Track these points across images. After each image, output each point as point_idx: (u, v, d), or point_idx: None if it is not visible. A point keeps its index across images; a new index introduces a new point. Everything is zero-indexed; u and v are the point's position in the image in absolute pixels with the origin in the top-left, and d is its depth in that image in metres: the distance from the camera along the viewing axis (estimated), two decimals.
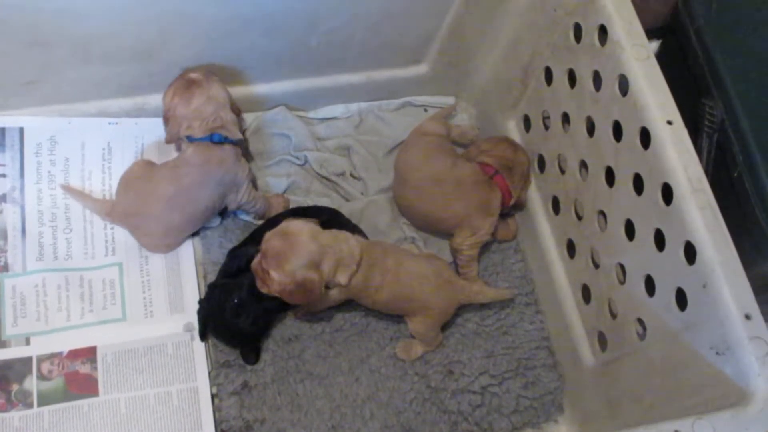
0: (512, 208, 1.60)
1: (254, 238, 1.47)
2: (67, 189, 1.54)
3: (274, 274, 1.28)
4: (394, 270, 1.39)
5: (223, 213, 1.58)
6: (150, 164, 1.52)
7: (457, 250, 1.54)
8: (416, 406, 1.45)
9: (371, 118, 1.75)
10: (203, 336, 1.45)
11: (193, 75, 1.45)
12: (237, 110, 1.52)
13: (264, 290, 1.31)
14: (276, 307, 1.43)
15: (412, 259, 1.44)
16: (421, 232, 1.63)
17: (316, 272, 1.29)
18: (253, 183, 1.56)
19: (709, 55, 1.49)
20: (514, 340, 1.53)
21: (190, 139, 1.44)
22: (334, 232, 1.36)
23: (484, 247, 1.59)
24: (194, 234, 1.56)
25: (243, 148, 1.53)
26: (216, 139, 1.44)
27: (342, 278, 1.33)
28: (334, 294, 1.38)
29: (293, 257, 1.28)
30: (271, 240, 1.30)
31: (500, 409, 1.46)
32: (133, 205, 1.48)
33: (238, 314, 1.39)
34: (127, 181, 1.50)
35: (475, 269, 1.55)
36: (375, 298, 1.40)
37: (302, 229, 1.31)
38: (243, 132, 1.56)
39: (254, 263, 1.32)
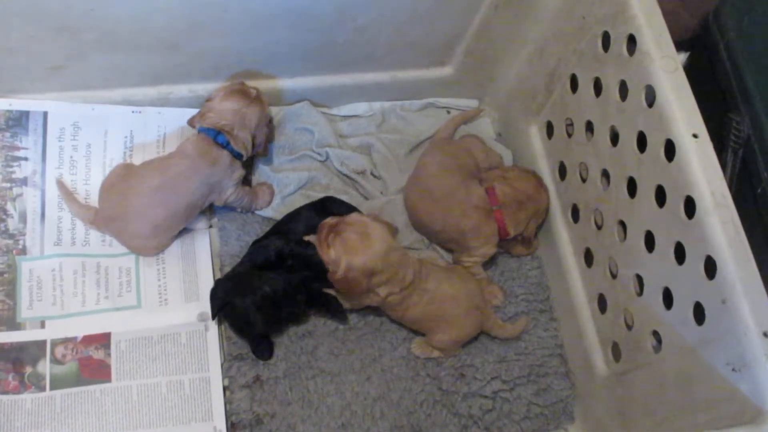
0: (520, 243, 1.59)
1: (277, 231, 1.47)
2: (60, 186, 1.53)
3: (333, 254, 1.31)
4: (432, 291, 1.40)
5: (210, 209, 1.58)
6: (130, 166, 1.52)
7: (456, 264, 1.56)
8: (427, 407, 1.45)
9: (393, 118, 1.75)
10: (215, 316, 1.43)
11: (251, 90, 1.50)
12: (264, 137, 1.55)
13: (320, 250, 1.33)
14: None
15: (448, 279, 1.45)
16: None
17: (366, 278, 1.31)
18: (243, 180, 1.55)
19: (737, 70, 1.48)
20: (527, 347, 1.53)
21: (200, 130, 1.46)
22: (405, 252, 1.38)
23: (501, 254, 1.59)
24: (212, 226, 1.57)
25: (242, 166, 1.52)
26: (220, 141, 1.45)
27: (382, 292, 1.35)
28: (368, 298, 1.39)
29: (358, 258, 1.30)
30: (350, 228, 1.32)
31: (511, 414, 1.46)
32: (115, 207, 1.47)
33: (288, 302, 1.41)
34: (107, 187, 1.49)
35: (481, 274, 1.55)
36: (405, 314, 1.42)
37: (383, 238, 1.32)
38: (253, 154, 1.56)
39: (327, 222, 1.33)
